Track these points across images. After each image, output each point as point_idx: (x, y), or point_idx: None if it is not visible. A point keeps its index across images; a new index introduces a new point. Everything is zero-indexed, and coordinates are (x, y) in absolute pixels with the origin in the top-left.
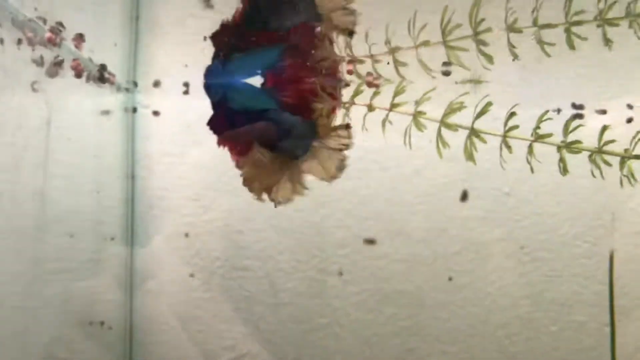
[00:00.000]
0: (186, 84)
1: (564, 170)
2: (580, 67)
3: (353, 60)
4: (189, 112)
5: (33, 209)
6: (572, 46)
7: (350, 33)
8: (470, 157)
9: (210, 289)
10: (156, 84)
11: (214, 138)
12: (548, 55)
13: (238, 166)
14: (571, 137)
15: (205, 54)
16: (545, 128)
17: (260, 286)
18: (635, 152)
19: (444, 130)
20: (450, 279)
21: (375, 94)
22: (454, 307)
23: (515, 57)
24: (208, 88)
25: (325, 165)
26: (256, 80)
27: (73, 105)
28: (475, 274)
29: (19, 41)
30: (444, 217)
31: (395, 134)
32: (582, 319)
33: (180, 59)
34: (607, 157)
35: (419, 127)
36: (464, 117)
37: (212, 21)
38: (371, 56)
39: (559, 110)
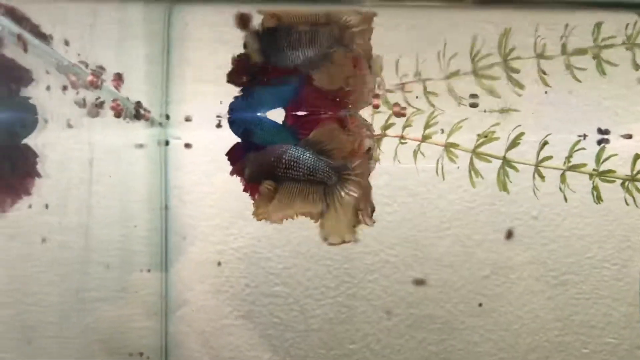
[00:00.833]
0: (218, 117)
1: (598, 199)
2: (605, 92)
3: (383, 91)
4: (219, 144)
5: (77, 243)
6: (602, 72)
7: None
8: (504, 187)
9: (241, 315)
10: (188, 118)
11: None
12: (578, 80)
13: (252, 197)
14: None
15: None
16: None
17: (290, 312)
18: None
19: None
20: (480, 304)
21: (407, 125)
22: (484, 332)
23: (546, 84)
24: (232, 123)
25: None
26: (279, 113)
27: (111, 142)
28: (504, 297)
29: (64, 87)
30: (472, 241)
31: (423, 159)
32: (613, 342)
33: (211, 92)
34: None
35: (452, 158)
36: (495, 146)
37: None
38: (402, 86)
39: (585, 136)
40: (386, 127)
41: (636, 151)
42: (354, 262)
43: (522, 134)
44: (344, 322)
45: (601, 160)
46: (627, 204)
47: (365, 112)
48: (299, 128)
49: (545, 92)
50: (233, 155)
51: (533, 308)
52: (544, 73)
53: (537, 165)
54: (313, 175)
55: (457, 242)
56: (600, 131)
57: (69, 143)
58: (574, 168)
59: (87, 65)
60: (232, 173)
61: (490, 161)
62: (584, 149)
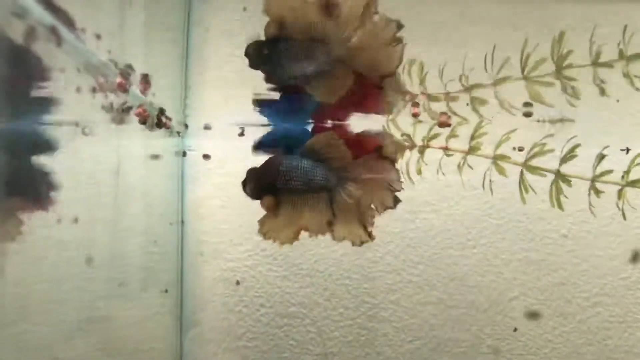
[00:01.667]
0: (241, 127)
1: None
2: None
3: (427, 98)
4: (237, 155)
5: (103, 262)
6: None
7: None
8: (558, 204)
9: (255, 337)
10: (207, 126)
11: None
12: (638, 89)
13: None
14: None
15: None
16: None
17: (307, 334)
18: None
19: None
20: (515, 329)
21: (452, 135)
22: (511, 356)
23: (603, 92)
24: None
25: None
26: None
27: (127, 152)
28: (534, 321)
29: (94, 89)
30: (499, 260)
31: (447, 174)
32: None
33: (231, 100)
34: None
35: (501, 171)
36: (546, 160)
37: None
38: (447, 94)
39: (627, 150)
40: (429, 137)
41: None
42: (375, 282)
43: (577, 145)
44: (363, 345)
45: None
46: None
47: (406, 122)
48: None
49: (597, 100)
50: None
51: (564, 331)
52: (602, 82)
53: (594, 180)
54: (313, 181)
55: (484, 261)
56: None
57: (96, 151)
58: (634, 184)
59: (116, 65)
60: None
61: (544, 175)
62: None
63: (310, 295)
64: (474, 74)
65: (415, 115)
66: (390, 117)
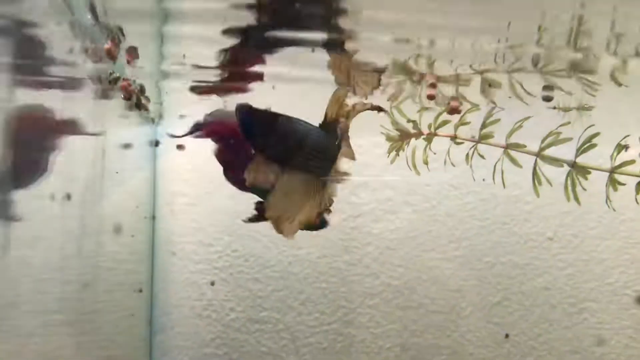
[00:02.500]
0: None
1: None
2: None
3: (435, 82)
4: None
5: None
6: None
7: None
8: (575, 197)
9: (225, 343)
10: (182, 115)
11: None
12: None
13: None
14: None
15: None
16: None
17: (280, 341)
18: None
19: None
20: (507, 335)
21: (462, 123)
22: None
23: (619, 83)
24: None
25: None
26: None
27: (110, 138)
28: (517, 326)
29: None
30: (483, 264)
31: (431, 172)
32: None
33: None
34: None
35: (515, 162)
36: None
37: None
38: (456, 76)
39: None
40: (437, 125)
41: None
42: (352, 285)
43: (596, 134)
44: (340, 352)
45: None
46: None
47: (411, 109)
48: None
49: (614, 88)
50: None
51: (549, 338)
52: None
53: (613, 171)
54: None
55: (466, 264)
56: None
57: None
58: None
59: (108, 29)
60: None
61: (562, 165)
62: None
63: (283, 299)
64: (486, 61)
65: (430, 97)
66: (394, 103)
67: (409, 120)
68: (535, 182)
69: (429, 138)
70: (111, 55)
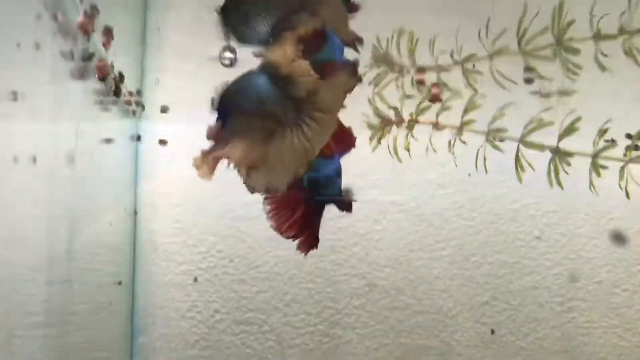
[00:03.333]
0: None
1: None
2: None
3: (418, 70)
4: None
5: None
6: None
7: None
8: (557, 182)
9: (209, 345)
10: (164, 108)
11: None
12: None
13: None
14: None
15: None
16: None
17: (265, 342)
18: None
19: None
20: (493, 331)
21: (444, 109)
22: None
23: (604, 68)
24: None
25: None
26: None
27: (87, 131)
28: (505, 326)
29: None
30: (470, 263)
31: (417, 171)
32: None
33: (195, 79)
34: None
35: (496, 147)
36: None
37: None
38: (437, 67)
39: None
40: (418, 112)
41: None
42: (338, 286)
43: (578, 119)
44: (326, 353)
45: None
46: None
47: (393, 96)
48: None
49: (597, 74)
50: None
51: (537, 338)
52: (603, 54)
53: (595, 155)
54: (263, 105)
55: (454, 264)
56: None
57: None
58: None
59: (81, 1)
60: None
61: (544, 149)
62: None
63: (269, 300)
64: (468, 46)
65: (420, 82)
66: (376, 90)
67: (390, 107)
68: (518, 168)
69: (411, 125)
70: (84, 30)
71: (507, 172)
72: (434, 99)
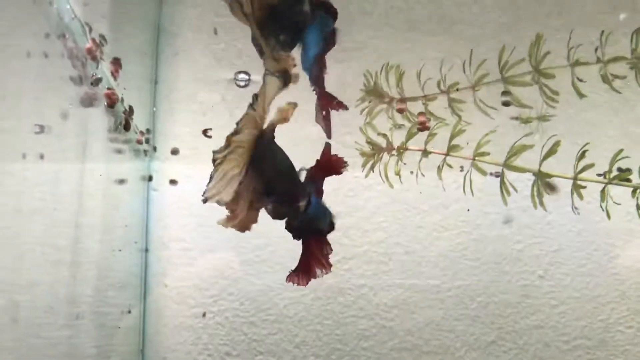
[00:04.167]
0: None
1: None
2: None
3: (403, 100)
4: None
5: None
6: None
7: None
8: (540, 203)
9: None
10: (174, 150)
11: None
12: (617, 92)
13: None
14: None
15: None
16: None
17: None
18: None
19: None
20: None
21: (431, 136)
22: None
23: (581, 95)
24: None
25: None
26: None
27: (96, 170)
28: None
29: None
30: (476, 303)
31: (421, 213)
32: None
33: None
34: None
35: (481, 171)
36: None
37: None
38: (424, 96)
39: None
40: (408, 137)
41: None
42: (347, 328)
43: (557, 143)
44: None
45: None
46: None
47: (384, 126)
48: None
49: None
50: None
51: None
52: (580, 80)
53: (576, 178)
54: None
55: (460, 304)
56: None
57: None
58: (618, 178)
59: (90, 29)
60: None
61: (525, 171)
62: (628, 156)
63: (278, 342)
64: (452, 77)
65: (400, 110)
66: (367, 120)
67: (379, 134)
68: (503, 191)
69: (400, 152)
70: (92, 56)
71: (507, 210)
72: (422, 127)
